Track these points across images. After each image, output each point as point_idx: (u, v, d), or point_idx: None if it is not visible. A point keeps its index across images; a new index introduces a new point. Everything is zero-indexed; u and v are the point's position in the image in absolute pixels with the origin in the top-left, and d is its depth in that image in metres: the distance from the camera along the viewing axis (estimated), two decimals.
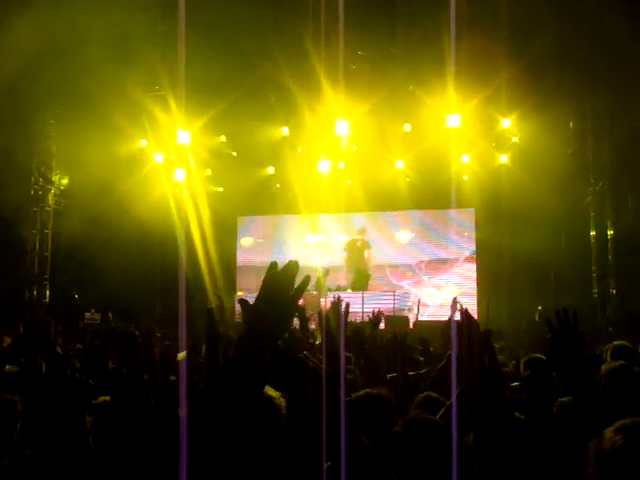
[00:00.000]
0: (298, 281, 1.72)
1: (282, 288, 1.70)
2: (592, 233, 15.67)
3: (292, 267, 1.72)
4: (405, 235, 18.01)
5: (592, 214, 15.68)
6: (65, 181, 16.46)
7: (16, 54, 11.16)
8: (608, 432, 1.97)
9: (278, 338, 1.77)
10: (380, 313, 5.63)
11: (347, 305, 3.01)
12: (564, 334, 2.61)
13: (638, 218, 13.14)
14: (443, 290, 17.11)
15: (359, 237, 16.82)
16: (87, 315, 14.69)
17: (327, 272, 15.95)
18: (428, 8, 11.15)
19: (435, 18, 10.86)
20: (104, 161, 14.84)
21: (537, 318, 14.17)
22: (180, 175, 16.98)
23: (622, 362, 3.60)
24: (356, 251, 16.74)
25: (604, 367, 3.47)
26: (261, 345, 1.70)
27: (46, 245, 15.69)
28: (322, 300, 14.53)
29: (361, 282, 16.19)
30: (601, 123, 14.61)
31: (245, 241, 19.07)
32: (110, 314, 14.43)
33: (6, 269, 14.09)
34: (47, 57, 11.92)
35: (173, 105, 14.09)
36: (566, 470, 2.19)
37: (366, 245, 16.83)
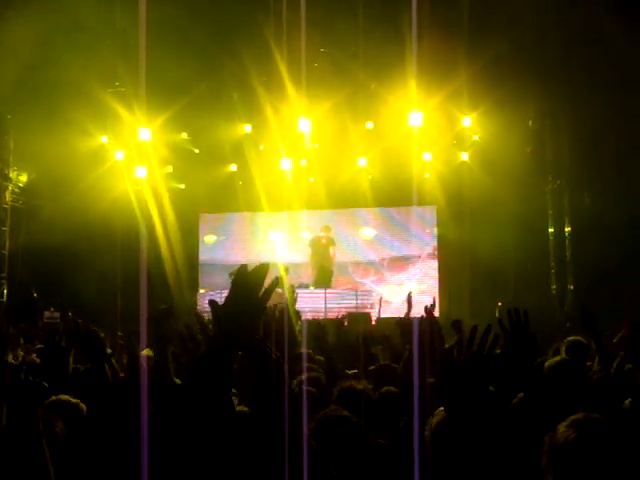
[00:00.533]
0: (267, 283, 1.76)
1: (251, 289, 1.74)
2: (550, 230, 15.96)
3: (262, 269, 1.76)
4: (367, 232, 18.11)
5: (550, 211, 15.96)
6: (23, 178, 16.19)
7: None
8: (562, 426, 2.02)
9: (247, 338, 1.80)
10: (344, 317, 5.70)
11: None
12: (516, 333, 2.68)
13: (595, 215, 13.42)
14: (405, 287, 17.24)
15: (324, 234, 16.82)
16: (46, 314, 14.48)
17: (286, 269, 15.93)
18: (390, 6, 11.24)
19: (397, 16, 10.96)
20: (64, 158, 14.62)
21: (497, 314, 14.37)
22: (141, 172, 16.83)
23: (564, 357, 3.68)
24: (321, 248, 16.72)
25: (547, 363, 3.55)
26: (230, 346, 1.73)
27: (3, 243, 15.41)
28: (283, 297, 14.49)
29: (324, 279, 16.21)
30: (559, 122, 14.88)
31: (208, 238, 18.97)
32: (70, 312, 14.22)
33: None
34: (4, 51, 11.71)
35: (134, 102, 13.97)
36: (520, 464, 2.25)
37: (331, 242, 16.83)
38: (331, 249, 16.70)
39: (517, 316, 2.73)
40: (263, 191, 16.46)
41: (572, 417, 2.04)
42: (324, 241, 16.65)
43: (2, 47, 11.49)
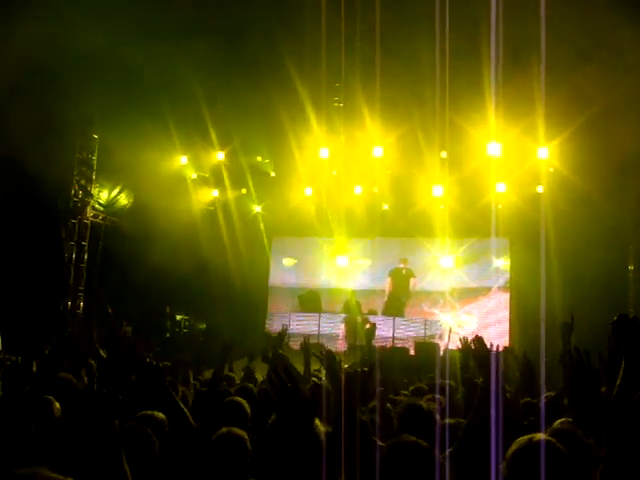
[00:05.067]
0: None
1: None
2: (630, 267, 15.41)
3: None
4: (439, 262, 17.91)
5: (631, 247, 15.43)
6: (104, 195, 16.70)
7: (61, 71, 11.44)
8: None
9: None
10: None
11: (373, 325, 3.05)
12: (579, 372, 2.62)
13: None
14: (475, 318, 16.95)
15: (403, 265, 16.78)
16: None
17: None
18: (470, 38, 11.19)
19: (476, 47, 10.90)
20: (144, 177, 15.07)
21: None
22: (217, 194, 17.23)
23: None
24: (401, 279, 16.72)
25: None
26: None
27: (83, 258, 15.90)
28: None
29: (395, 310, 16.15)
30: None
31: (287, 261, 19.01)
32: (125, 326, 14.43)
33: (44, 280, 14.24)
34: (92, 74, 12.20)
35: (212, 124, 14.31)
36: None
37: (411, 274, 16.79)
38: (411, 280, 16.70)
39: (579, 355, 2.69)
40: (335, 217, 16.53)
41: None
42: (404, 272, 16.66)
43: (91, 71, 11.99)
